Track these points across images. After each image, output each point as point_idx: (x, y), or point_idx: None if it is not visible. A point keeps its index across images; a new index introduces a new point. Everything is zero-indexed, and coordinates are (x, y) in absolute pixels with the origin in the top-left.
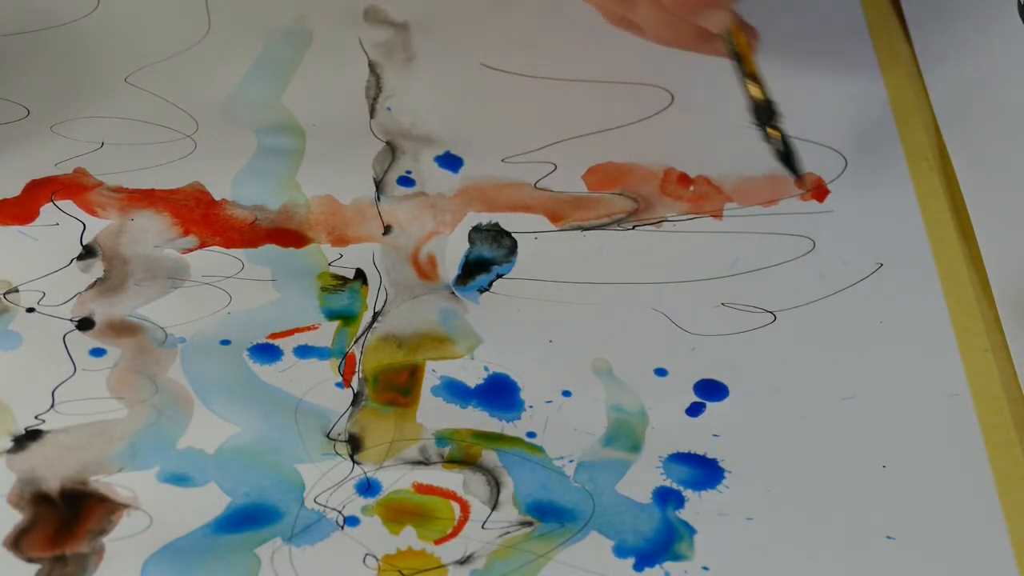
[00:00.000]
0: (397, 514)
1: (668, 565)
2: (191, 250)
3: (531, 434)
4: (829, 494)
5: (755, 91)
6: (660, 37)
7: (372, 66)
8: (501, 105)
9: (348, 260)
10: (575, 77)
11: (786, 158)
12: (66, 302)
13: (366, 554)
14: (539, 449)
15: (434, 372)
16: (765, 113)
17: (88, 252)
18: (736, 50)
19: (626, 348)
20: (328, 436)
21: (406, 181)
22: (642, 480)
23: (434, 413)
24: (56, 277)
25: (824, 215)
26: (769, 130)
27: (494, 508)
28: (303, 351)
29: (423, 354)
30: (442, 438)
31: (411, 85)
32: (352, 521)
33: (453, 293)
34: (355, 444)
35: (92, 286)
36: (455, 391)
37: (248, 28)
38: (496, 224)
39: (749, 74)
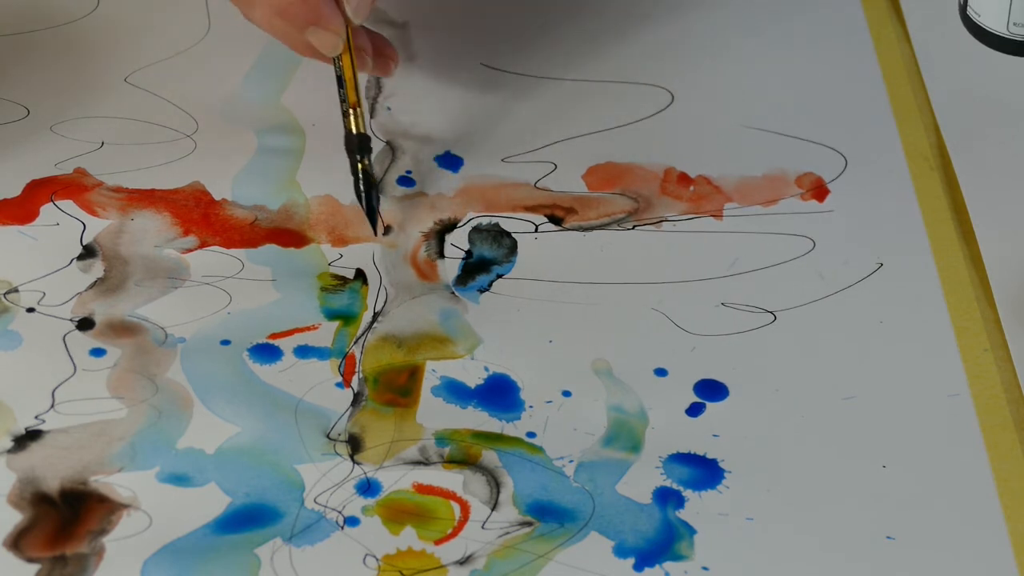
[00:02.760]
0: (397, 514)
1: (668, 565)
2: (191, 250)
3: (531, 434)
4: (829, 494)
5: (353, 123)
6: (280, 39)
7: None
8: (501, 105)
9: (348, 260)
10: (575, 77)
11: (367, 196)
12: (66, 302)
13: (366, 554)
14: (539, 449)
15: (434, 372)
16: (359, 146)
17: (88, 252)
18: (341, 76)
19: (626, 348)
20: (328, 436)
21: (406, 181)
22: (642, 480)
23: (434, 413)
24: (56, 277)
25: (824, 215)
26: (360, 164)
27: (494, 508)
28: (303, 351)
29: (423, 354)
30: (442, 438)
31: (411, 85)
32: (352, 521)
33: (453, 293)
34: (355, 444)
35: (92, 286)
36: (455, 391)
37: (248, 28)
38: (496, 224)
39: (351, 104)
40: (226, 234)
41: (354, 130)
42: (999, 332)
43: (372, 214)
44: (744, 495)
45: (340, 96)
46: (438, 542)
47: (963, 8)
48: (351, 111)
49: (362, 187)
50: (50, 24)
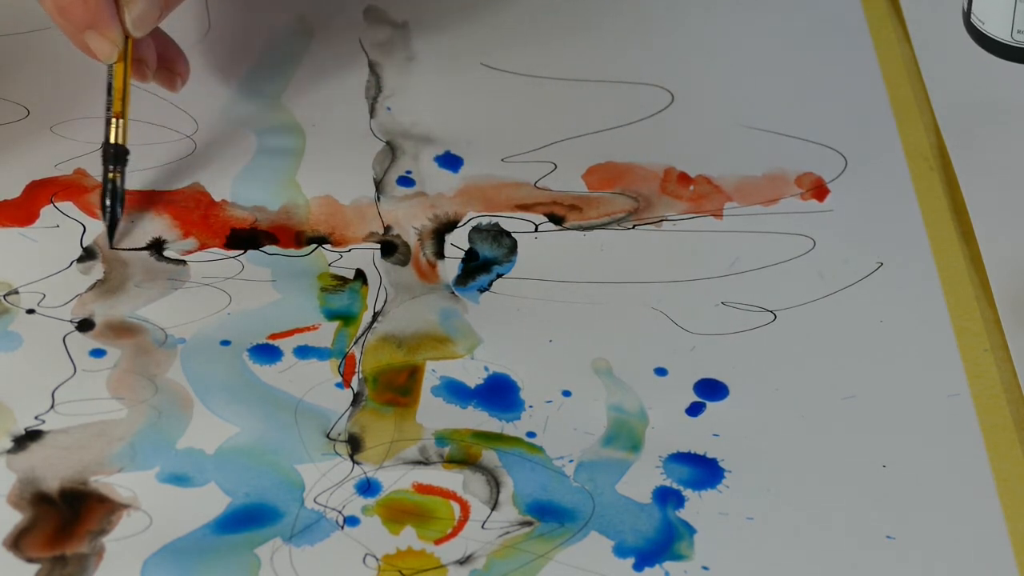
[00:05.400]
0: (397, 514)
1: (668, 565)
2: (191, 252)
3: (531, 434)
4: (829, 494)
5: (113, 133)
6: (65, 34)
7: (372, 66)
8: (501, 105)
9: (348, 261)
10: (575, 77)
11: (111, 210)
12: (66, 303)
13: (366, 554)
14: (539, 449)
15: (434, 372)
16: (115, 157)
17: (88, 254)
18: (111, 83)
19: (626, 348)
20: (328, 436)
21: (406, 181)
22: (642, 480)
23: (434, 413)
24: (56, 279)
25: (824, 214)
26: (110, 174)
27: (494, 508)
28: (303, 351)
29: (423, 354)
30: (442, 438)
31: (411, 85)
32: (352, 521)
33: (453, 293)
34: (355, 444)
35: (92, 288)
36: (455, 391)
37: (248, 28)
38: (496, 224)
39: (115, 113)
40: (226, 235)
41: (112, 140)
42: (999, 332)
43: (112, 227)
44: (744, 495)
45: (107, 103)
46: (438, 542)
47: (967, 15)
48: (113, 120)
49: (107, 200)
50: (50, 24)
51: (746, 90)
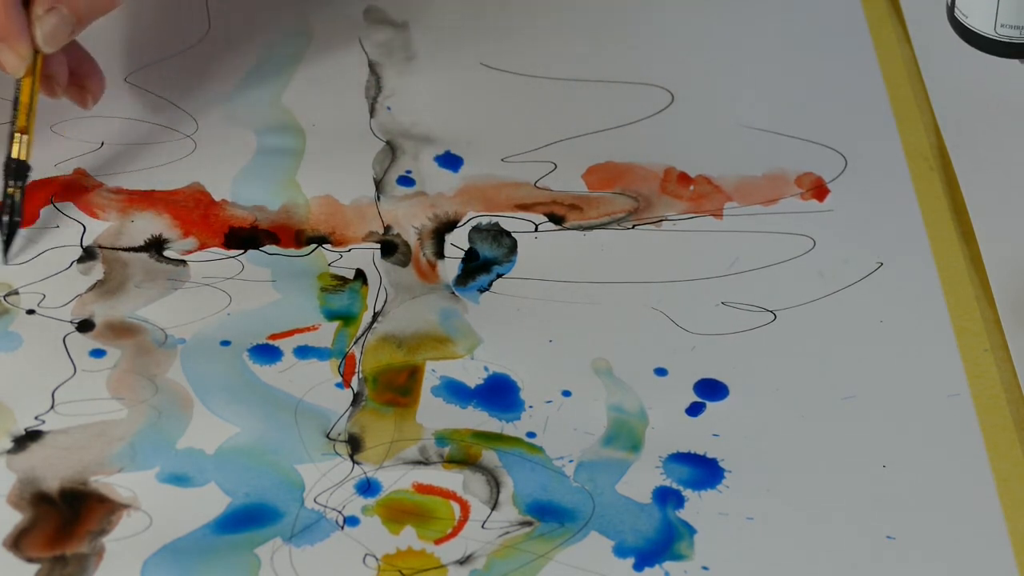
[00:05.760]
0: (397, 514)
1: (668, 565)
2: (191, 252)
3: (531, 434)
4: (829, 494)
5: (16, 148)
6: None
7: (372, 66)
8: (501, 105)
9: (348, 260)
10: (575, 77)
11: (10, 225)
12: (66, 304)
13: (366, 554)
14: (539, 449)
15: (434, 372)
16: (15, 172)
17: (88, 254)
18: (18, 97)
19: (626, 348)
20: (328, 436)
21: (406, 181)
22: (642, 480)
23: (434, 413)
24: (56, 279)
25: (824, 214)
26: (9, 188)
27: (494, 508)
28: (303, 352)
29: (423, 354)
30: (442, 438)
31: (411, 85)
32: (352, 521)
33: (453, 293)
34: (355, 444)
35: (92, 288)
36: (455, 391)
37: (248, 28)
38: (496, 224)
39: (19, 128)
40: (226, 235)
41: (14, 155)
42: (999, 332)
43: (7, 243)
44: (744, 495)
45: (11, 117)
46: (438, 542)
47: (950, 10)
48: (17, 135)
49: (4, 216)
50: None
51: (746, 90)
